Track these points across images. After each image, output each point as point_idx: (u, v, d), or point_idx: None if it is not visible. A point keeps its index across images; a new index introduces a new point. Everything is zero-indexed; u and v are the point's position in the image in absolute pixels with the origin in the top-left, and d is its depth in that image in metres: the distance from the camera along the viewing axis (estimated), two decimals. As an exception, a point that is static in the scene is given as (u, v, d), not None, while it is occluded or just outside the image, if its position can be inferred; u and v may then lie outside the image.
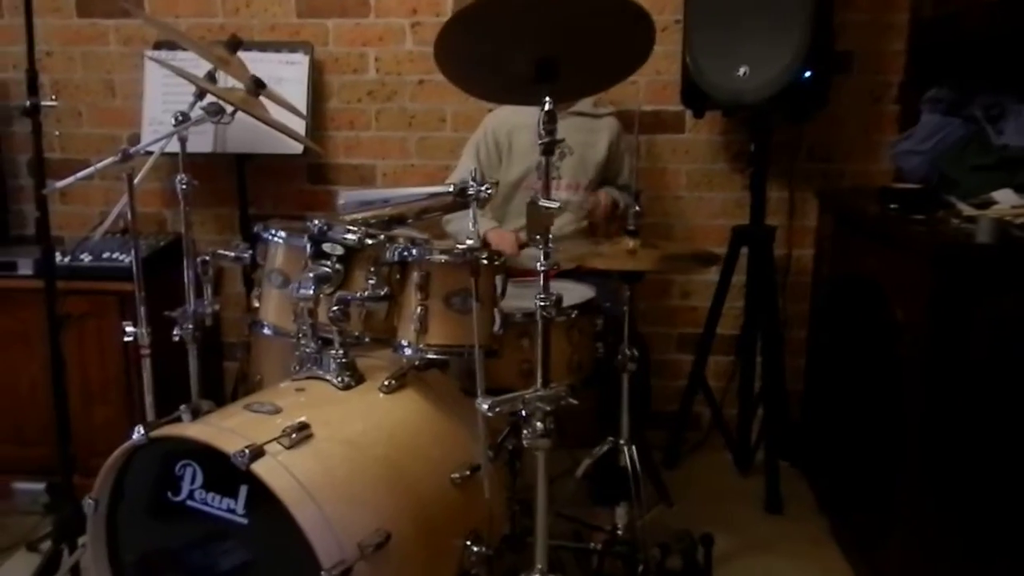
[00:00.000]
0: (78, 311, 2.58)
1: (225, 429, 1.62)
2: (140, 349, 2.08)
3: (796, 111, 2.59)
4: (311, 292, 1.86)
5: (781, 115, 2.64)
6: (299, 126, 2.69)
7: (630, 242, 1.97)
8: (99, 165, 1.97)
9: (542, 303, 1.60)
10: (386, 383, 1.89)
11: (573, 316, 2.08)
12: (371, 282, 1.87)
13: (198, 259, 2.35)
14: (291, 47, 2.93)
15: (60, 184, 1.96)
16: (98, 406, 2.70)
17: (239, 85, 2.28)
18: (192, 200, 2.21)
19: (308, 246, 1.98)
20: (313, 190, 3.15)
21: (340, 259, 1.94)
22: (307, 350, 1.92)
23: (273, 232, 2.23)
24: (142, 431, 1.65)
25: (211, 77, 2.28)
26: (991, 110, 2.46)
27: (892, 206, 2.36)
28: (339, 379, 1.86)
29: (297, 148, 2.85)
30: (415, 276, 1.83)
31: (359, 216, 1.79)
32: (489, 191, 1.57)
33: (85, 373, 2.68)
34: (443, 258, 1.82)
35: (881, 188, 2.64)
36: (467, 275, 1.80)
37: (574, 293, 2.20)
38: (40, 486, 2.68)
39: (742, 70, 2.51)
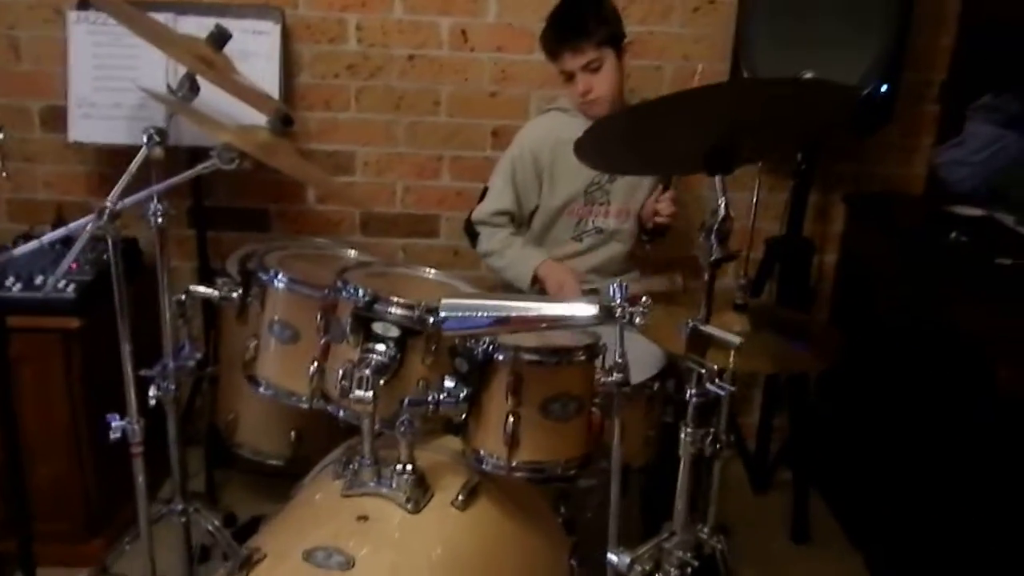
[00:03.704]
0: (12, 353, 2.08)
1: (300, 608, 1.27)
2: (131, 447, 1.66)
3: (858, 127, 2.31)
4: (370, 395, 1.49)
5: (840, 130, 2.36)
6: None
7: (735, 321, 1.64)
8: (73, 225, 1.48)
9: (703, 441, 1.31)
10: (459, 497, 1.57)
11: (655, 388, 1.80)
12: (448, 384, 1.52)
13: (173, 299, 1.93)
14: (258, 12, 2.39)
15: (20, 251, 1.46)
16: (40, 463, 2.22)
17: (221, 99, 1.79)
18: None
19: (349, 323, 1.61)
20: (278, 180, 2.66)
21: (396, 342, 1.58)
22: (365, 464, 1.56)
23: (274, 275, 1.83)
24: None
25: (192, 83, 1.77)
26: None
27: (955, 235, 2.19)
28: (408, 501, 1.52)
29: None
30: (504, 377, 1.49)
31: (465, 334, 1.41)
32: (644, 313, 1.23)
33: (23, 427, 2.18)
34: (541, 359, 1.49)
35: (939, 211, 2.45)
36: (569, 377, 1.49)
37: (640, 351, 1.89)
38: (-29, 560, 2.22)
39: (807, 74, 2.20)
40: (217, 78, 1.73)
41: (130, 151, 1.71)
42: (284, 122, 1.56)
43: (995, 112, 2.41)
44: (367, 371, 1.51)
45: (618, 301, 1.23)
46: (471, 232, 2.29)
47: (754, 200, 1.91)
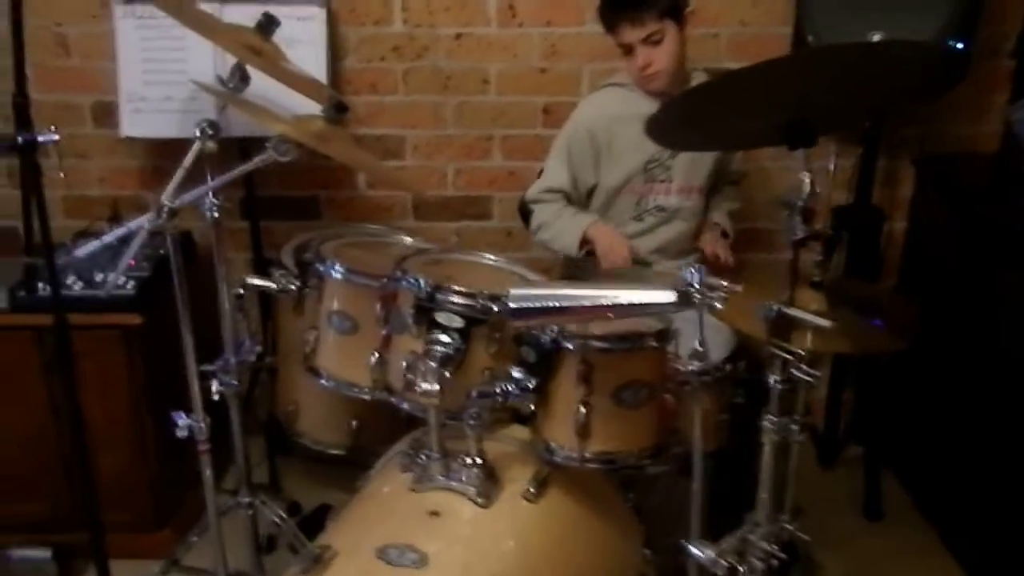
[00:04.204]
0: (74, 349, 2.09)
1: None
2: (198, 445, 1.65)
3: (931, 87, 2.18)
4: (437, 388, 1.46)
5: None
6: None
7: (812, 299, 1.55)
8: (131, 224, 1.46)
9: (786, 429, 1.25)
10: (530, 489, 1.53)
11: (727, 370, 1.73)
12: (516, 375, 1.48)
13: (231, 292, 1.92)
14: (302, -3, 2.35)
15: (82, 252, 1.45)
16: (104, 455, 2.24)
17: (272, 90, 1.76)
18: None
19: (411, 314, 1.57)
20: (328, 166, 2.63)
21: (460, 332, 1.54)
22: (433, 458, 1.53)
23: (331, 265, 1.81)
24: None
25: (242, 74, 1.73)
26: None
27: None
28: (479, 495, 1.49)
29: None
30: (574, 366, 1.44)
31: (534, 324, 1.37)
32: (724, 298, 1.17)
33: (87, 419, 2.20)
34: (611, 346, 1.43)
35: (1014, 172, 2.34)
36: (641, 363, 1.44)
37: (710, 332, 1.82)
38: (45, 553, 2.25)
39: (875, 36, 2.09)
40: (267, 67, 1.70)
41: (182, 144, 1.69)
42: (339, 109, 1.52)
43: (1076, 65, 2.27)
44: (432, 363, 1.48)
45: (696, 286, 1.17)
46: (524, 212, 2.23)
47: (831, 169, 1.81)
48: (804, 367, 1.19)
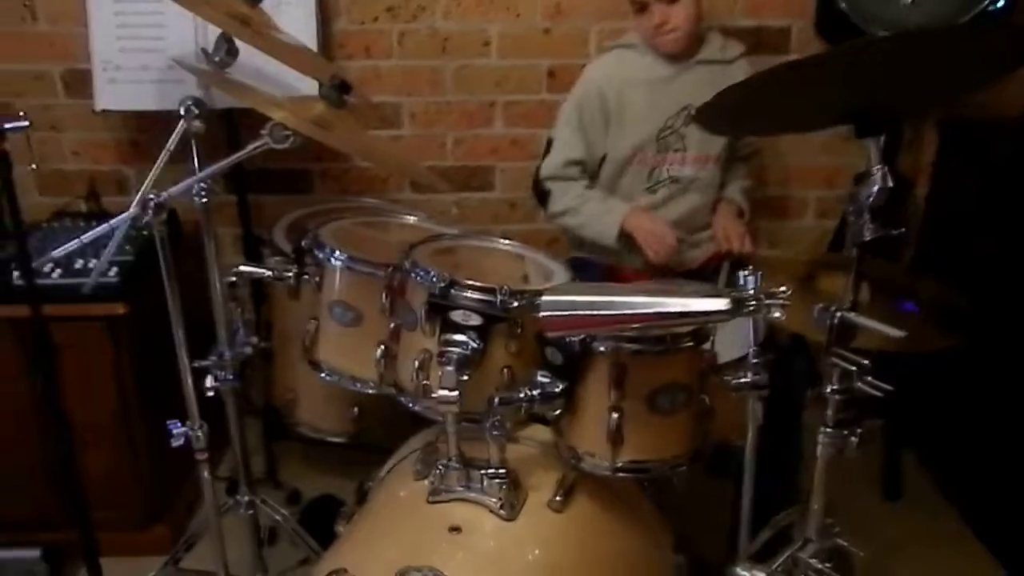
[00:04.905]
0: (55, 342, 1.95)
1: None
2: (196, 455, 1.53)
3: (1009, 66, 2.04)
4: (455, 394, 1.34)
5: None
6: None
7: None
8: (114, 221, 1.32)
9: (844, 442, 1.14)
10: (556, 498, 1.42)
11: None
12: (542, 379, 1.36)
13: (224, 280, 1.80)
14: (289, -46, 2.17)
15: (59, 252, 1.31)
16: (91, 451, 2.11)
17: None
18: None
19: (423, 310, 1.45)
20: (319, 136, 2.47)
21: (477, 331, 1.42)
22: (451, 467, 1.41)
23: (331, 252, 1.68)
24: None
25: (230, 46, 1.57)
26: None
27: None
28: (502, 507, 1.38)
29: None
30: (606, 369, 1.32)
31: (568, 334, 1.24)
32: (782, 303, 1.05)
33: (71, 414, 2.07)
34: (646, 347, 1.31)
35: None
36: (677, 365, 1.33)
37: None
38: (34, 553, 2.14)
39: (909, -2, 1.96)
40: (255, 39, 1.53)
41: (162, 116, 1.53)
42: (341, 90, 1.36)
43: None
44: (449, 367, 1.35)
45: (752, 291, 1.05)
46: (540, 191, 2.09)
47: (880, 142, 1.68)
48: (872, 380, 1.08)
